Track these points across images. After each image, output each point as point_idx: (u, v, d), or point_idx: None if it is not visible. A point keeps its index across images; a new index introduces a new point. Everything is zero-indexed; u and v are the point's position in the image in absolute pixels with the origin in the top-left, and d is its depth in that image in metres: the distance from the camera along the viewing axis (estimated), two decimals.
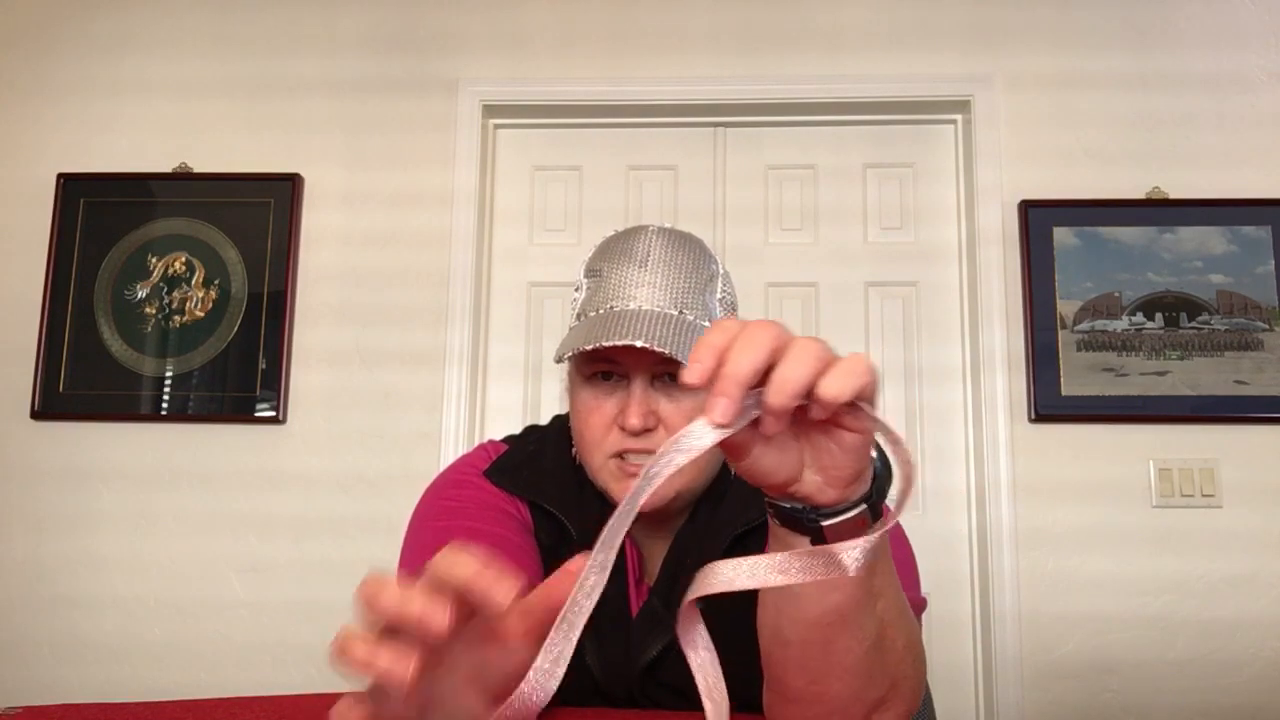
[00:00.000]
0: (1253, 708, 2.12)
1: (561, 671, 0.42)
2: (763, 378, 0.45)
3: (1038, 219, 2.31)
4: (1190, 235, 2.29)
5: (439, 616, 0.38)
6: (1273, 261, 2.26)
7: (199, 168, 2.44)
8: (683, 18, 2.45)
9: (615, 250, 0.83)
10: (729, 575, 0.46)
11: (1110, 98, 2.36)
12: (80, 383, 2.35)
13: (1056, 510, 2.21)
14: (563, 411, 0.94)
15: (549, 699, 0.42)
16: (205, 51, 2.51)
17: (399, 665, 0.39)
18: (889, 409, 2.36)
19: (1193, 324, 2.25)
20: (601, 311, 0.79)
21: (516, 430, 1.03)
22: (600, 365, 0.81)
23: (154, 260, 2.40)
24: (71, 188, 2.43)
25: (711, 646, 0.52)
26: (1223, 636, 2.14)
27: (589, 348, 0.76)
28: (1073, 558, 2.19)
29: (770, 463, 0.49)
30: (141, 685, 2.23)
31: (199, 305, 2.37)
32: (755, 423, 0.46)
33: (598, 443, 0.82)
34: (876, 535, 0.47)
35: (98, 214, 2.42)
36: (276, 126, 2.46)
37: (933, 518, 2.30)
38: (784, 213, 2.46)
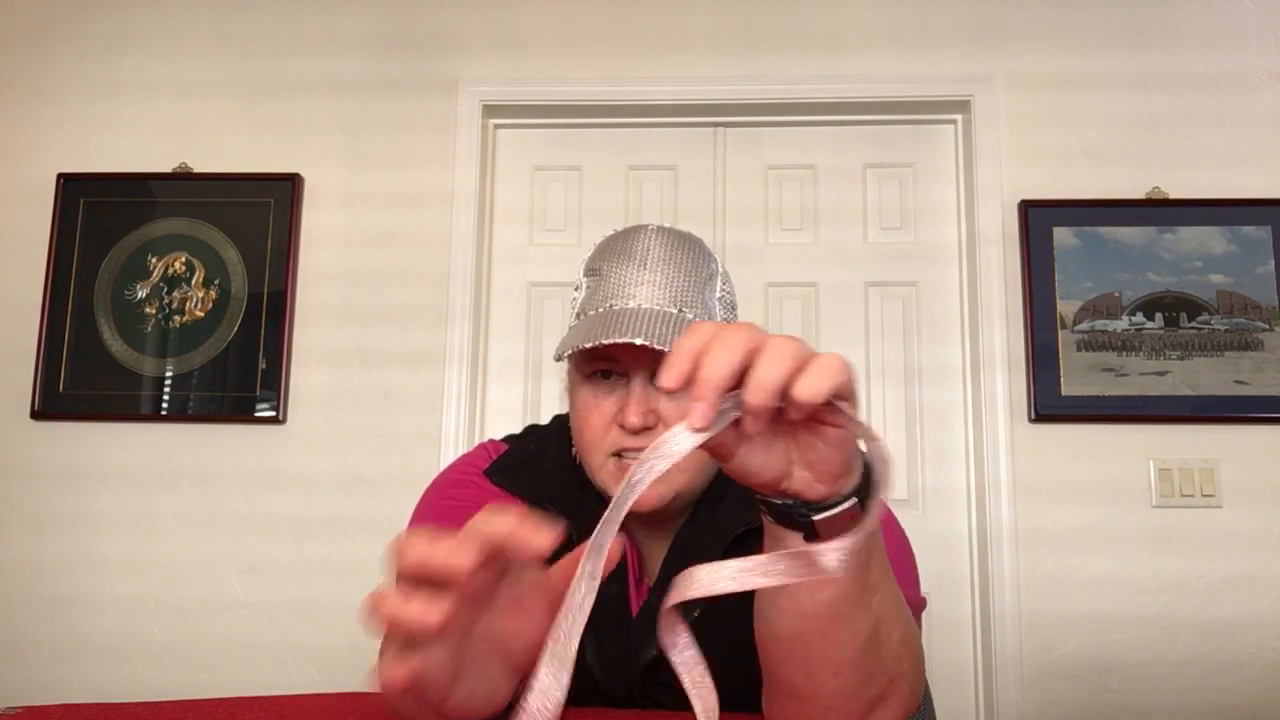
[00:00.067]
0: (1253, 708, 2.12)
1: (566, 681, 0.42)
2: (741, 379, 0.45)
3: (1038, 219, 2.31)
4: (1190, 235, 2.29)
5: (464, 557, 0.40)
6: (1273, 261, 2.26)
7: (199, 168, 2.44)
8: (683, 18, 2.45)
9: (615, 249, 0.83)
10: (711, 579, 0.46)
11: (1110, 98, 2.36)
12: (80, 383, 2.35)
13: (1056, 510, 2.21)
14: (563, 411, 0.94)
15: (560, 710, 0.43)
16: (205, 51, 2.51)
17: (429, 613, 0.40)
18: (889, 409, 2.36)
19: (1193, 324, 2.25)
20: (601, 310, 0.80)
21: (516, 430, 1.03)
22: (600, 364, 0.81)
23: (154, 260, 2.40)
24: (71, 188, 2.43)
25: (695, 646, 0.52)
26: (1223, 636, 2.14)
27: (588, 345, 0.76)
28: (1073, 558, 2.19)
29: (757, 461, 0.50)
30: (141, 685, 2.23)
31: (199, 305, 2.38)
32: (737, 423, 0.47)
33: (597, 441, 0.82)
34: (859, 536, 0.47)
35: (98, 214, 2.42)
36: (276, 126, 2.46)
37: (933, 518, 2.30)
38: (784, 213, 2.46)
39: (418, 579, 0.41)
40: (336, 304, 2.38)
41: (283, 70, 2.48)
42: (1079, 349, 2.25)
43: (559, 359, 0.80)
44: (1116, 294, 2.28)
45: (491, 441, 0.99)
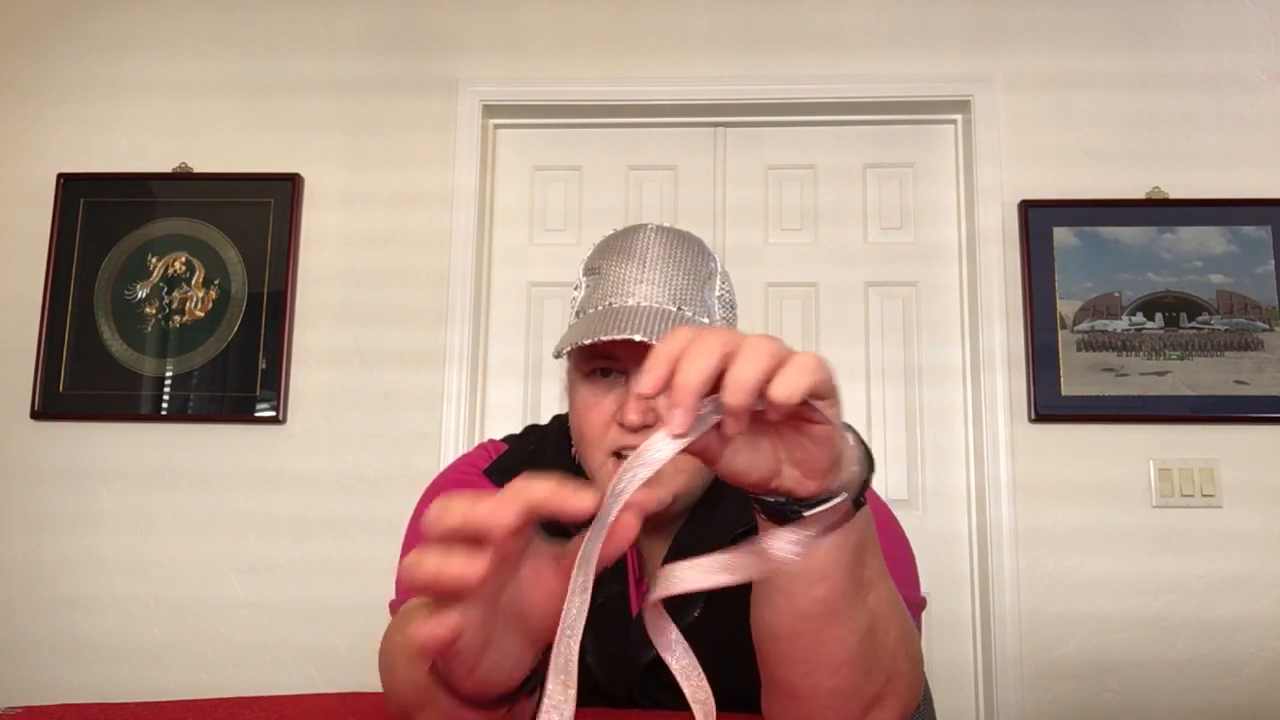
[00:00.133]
0: (1253, 708, 2.12)
1: (574, 694, 0.43)
2: (720, 381, 0.45)
3: (1038, 219, 2.31)
4: (1190, 235, 2.29)
5: (507, 512, 0.41)
6: (1273, 261, 2.26)
7: (199, 168, 2.44)
8: (683, 18, 2.45)
9: (614, 248, 0.83)
10: (684, 576, 0.47)
11: (1110, 98, 2.36)
12: (80, 383, 2.35)
13: (1056, 510, 2.21)
14: (563, 411, 0.94)
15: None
16: (205, 51, 2.51)
17: (470, 565, 0.41)
18: (889, 409, 2.36)
19: (1193, 324, 2.25)
20: (600, 308, 0.80)
21: (516, 430, 1.03)
22: (599, 362, 0.81)
23: (154, 260, 2.40)
24: (71, 188, 2.43)
25: (687, 646, 0.52)
26: (1223, 636, 2.14)
27: (587, 342, 0.76)
28: (1073, 558, 2.19)
29: (744, 462, 0.50)
30: (141, 685, 2.23)
31: (199, 305, 2.38)
32: (720, 426, 0.47)
33: (597, 440, 0.82)
34: (811, 527, 0.47)
35: (98, 214, 2.42)
36: (276, 126, 2.46)
37: (933, 518, 2.30)
38: (784, 213, 2.46)
39: (459, 537, 0.42)
40: (336, 304, 2.38)
41: (283, 70, 2.48)
42: (1079, 349, 2.25)
43: (558, 356, 0.80)
44: (1116, 294, 2.28)
45: (491, 441, 0.99)
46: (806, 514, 0.51)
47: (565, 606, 0.43)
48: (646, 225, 0.85)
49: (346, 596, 2.24)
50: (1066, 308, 2.27)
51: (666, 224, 0.87)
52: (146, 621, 2.28)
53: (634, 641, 0.82)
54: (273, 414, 2.32)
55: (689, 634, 0.62)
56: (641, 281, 0.80)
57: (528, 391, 2.41)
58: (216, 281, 2.38)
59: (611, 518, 0.44)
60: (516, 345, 2.43)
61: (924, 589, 0.86)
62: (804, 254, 2.44)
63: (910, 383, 2.37)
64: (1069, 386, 2.24)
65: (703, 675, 0.52)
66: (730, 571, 0.46)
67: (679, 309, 0.79)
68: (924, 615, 0.83)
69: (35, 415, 2.34)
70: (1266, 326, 2.24)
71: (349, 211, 2.42)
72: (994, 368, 2.26)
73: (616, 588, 0.85)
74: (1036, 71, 2.38)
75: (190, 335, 2.36)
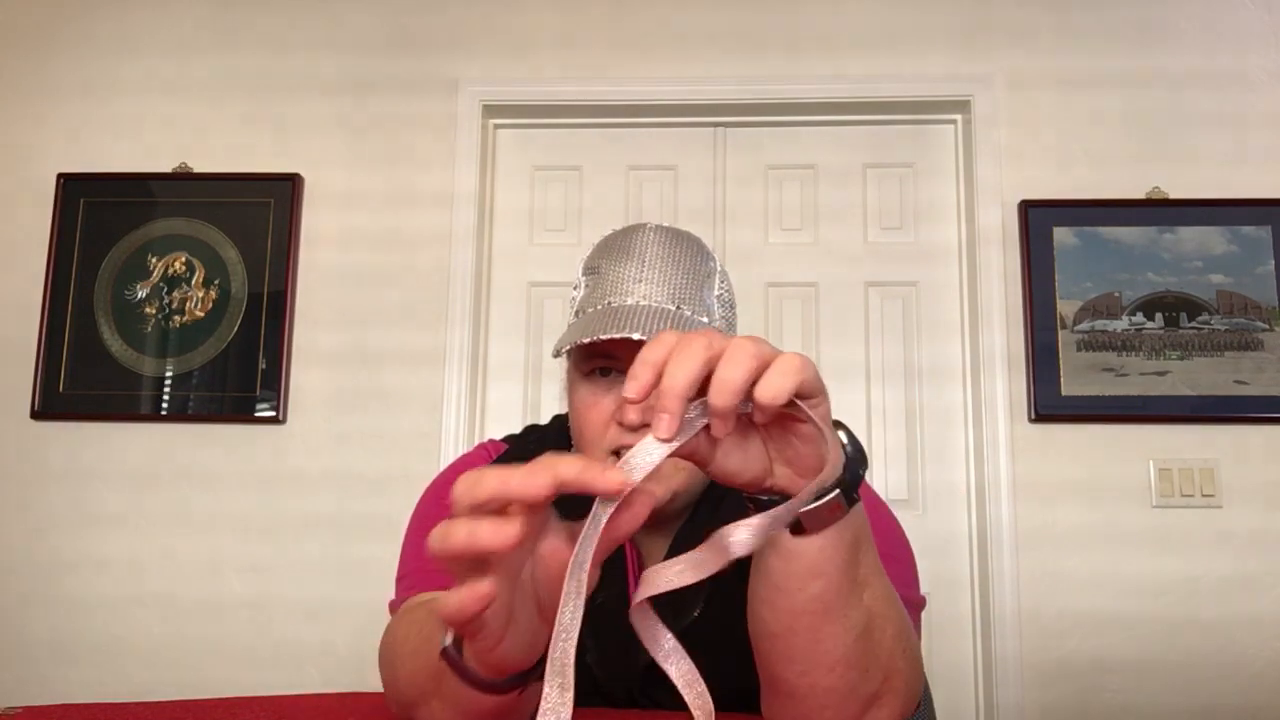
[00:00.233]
0: (1253, 708, 2.12)
1: (571, 697, 0.44)
2: (707, 384, 0.46)
3: (1038, 219, 2.31)
4: (1190, 235, 2.29)
5: (540, 480, 0.42)
6: (1273, 261, 2.26)
7: (199, 168, 2.44)
8: (683, 18, 2.45)
9: (613, 247, 0.83)
10: (660, 579, 0.47)
11: (1110, 98, 2.36)
12: (80, 383, 2.35)
13: (1056, 510, 2.21)
14: (562, 411, 0.94)
15: None
16: (205, 51, 2.51)
17: (504, 531, 0.42)
18: (889, 409, 2.36)
19: (1193, 324, 2.25)
20: (600, 308, 0.80)
21: (516, 430, 1.03)
22: (598, 361, 0.81)
23: (154, 260, 2.40)
24: (71, 188, 2.43)
25: (680, 648, 0.52)
26: (1223, 636, 2.14)
27: (586, 341, 0.76)
28: (1073, 558, 2.19)
29: (736, 463, 0.51)
30: (141, 685, 2.23)
31: (199, 305, 2.38)
32: (709, 429, 0.47)
33: (596, 439, 0.82)
34: (764, 519, 0.47)
35: (98, 214, 2.42)
36: (276, 126, 2.46)
37: (933, 518, 2.30)
38: (784, 213, 2.46)
39: (490, 508, 0.43)
40: (336, 304, 2.38)
41: (283, 70, 2.48)
42: (1079, 349, 2.25)
43: (557, 355, 0.80)
44: (1116, 294, 2.28)
45: (491, 441, 0.99)
46: (774, 510, 0.51)
47: (559, 610, 0.44)
48: (646, 225, 0.85)
49: (346, 596, 2.23)
50: (1066, 308, 2.27)
51: (666, 224, 0.87)
52: (146, 621, 2.28)
53: (634, 641, 0.82)
54: (273, 414, 2.32)
55: (689, 634, 0.62)
56: (640, 281, 0.80)
57: (528, 391, 2.41)
58: (216, 281, 2.38)
59: (604, 522, 0.44)
60: (516, 345, 2.43)
61: (924, 589, 0.85)
62: (804, 254, 2.44)
63: (910, 383, 2.37)
64: (1069, 386, 2.24)
65: (702, 682, 0.52)
66: (699, 568, 0.47)
67: (678, 308, 0.79)
68: (924, 615, 0.83)
69: (35, 415, 2.34)
70: (1266, 326, 2.24)
71: (349, 211, 2.42)
72: (994, 368, 2.26)
73: (616, 588, 0.85)
74: (1036, 71, 2.38)
75: (190, 335, 2.36)
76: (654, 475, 0.45)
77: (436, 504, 0.90)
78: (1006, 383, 2.26)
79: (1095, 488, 2.20)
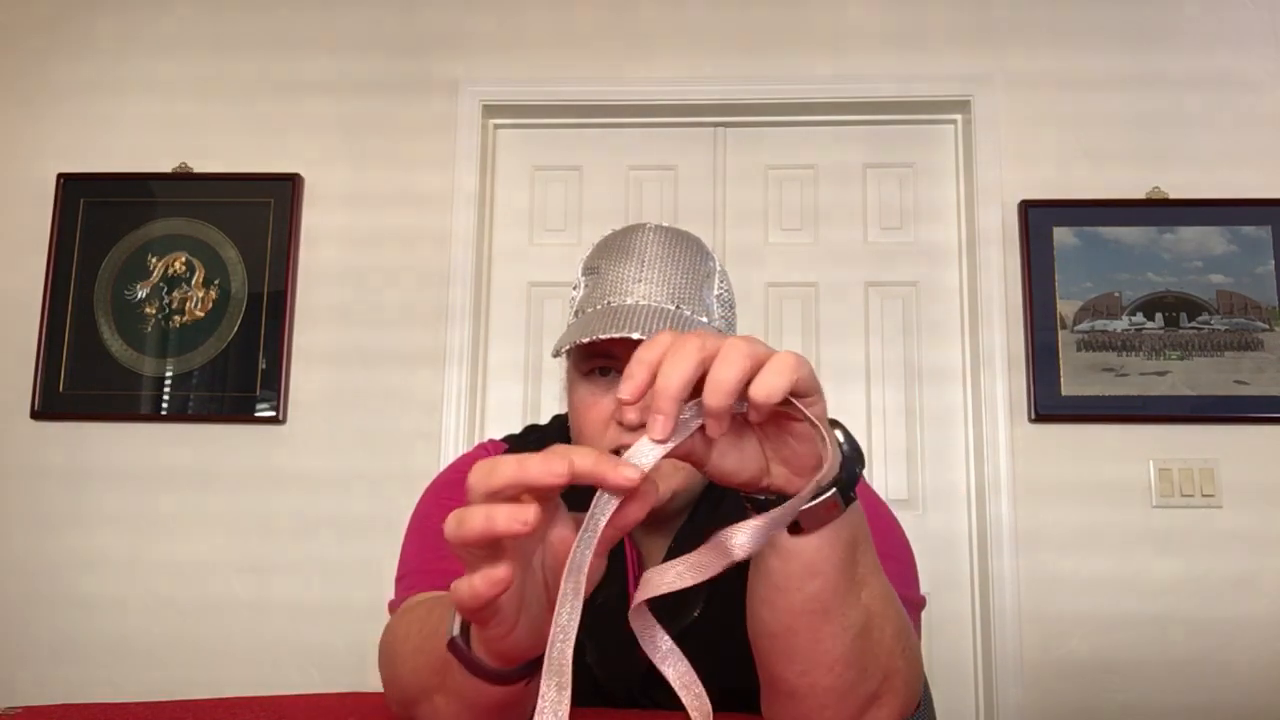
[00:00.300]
0: (1253, 708, 2.12)
1: (569, 696, 0.44)
2: (701, 385, 0.46)
3: (1038, 219, 2.31)
4: (1190, 235, 2.29)
5: (558, 467, 0.42)
6: (1273, 261, 2.26)
7: (199, 168, 2.44)
8: (683, 18, 2.45)
9: (613, 247, 0.83)
10: (660, 580, 0.47)
11: (1110, 98, 2.36)
12: (80, 383, 2.35)
13: (1056, 510, 2.21)
14: (562, 411, 0.94)
15: None
16: (205, 51, 2.51)
17: (521, 514, 0.42)
18: (889, 409, 2.36)
19: (1193, 324, 2.25)
20: (599, 307, 0.80)
21: (516, 430, 1.03)
22: (598, 361, 0.81)
23: (154, 260, 2.40)
24: (71, 188, 2.43)
25: (678, 650, 0.53)
26: (1223, 636, 2.14)
27: (585, 340, 0.76)
28: (1073, 558, 2.19)
29: (732, 463, 0.51)
30: (141, 685, 2.23)
31: (199, 305, 2.38)
32: (704, 429, 0.47)
33: (596, 439, 0.82)
34: (765, 520, 0.47)
35: (98, 214, 2.42)
36: (276, 126, 2.46)
37: (933, 518, 2.30)
38: (784, 213, 2.46)
39: (508, 494, 0.43)
40: (336, 304, 2.38)
41: (283, 70, 2.48)
42: (1079, 349, 2.25)
43: (556, 355, 0.80)
44: (1116, 294, 2.28)
45: (491, 441, 0.99)
46: (773, 511, 0.51)
47: (556, 611, 0.44)
48: (645, 225, 0.85)
49: (346, 596, 2.23)
50: (1066, 308, 2.27)
51: (666, 224, 0.87)
52: (146, 621, 2.28)
53: (634, 641, 0.82)
54: (273, 414, 2.32)
55: (689, 634, 0.62)
56: (640, 281, 0.80)
57: (528, 391, 2.41)
58: (216, 281, 2.38)
59: (601, 525, 0.44)
60: (516, 345, 2.43)
61: (924, 589, 0.86)
62: (804, 254, 2.44)
63: (910, 383, 2.37)
64: (1069, 386, 2.24)
65: (699, 683, 0.52)
66: (699, 570, 0.47)
67: (677, 308, 0.79)
68: (924, 615, 0.83)
69: (35, 415, 2.34)
70: (1266, 326, 2.24)
71: (349, 211, 2.42)
72: (994, 368, 2.26)
73: (616, 587, 0.85)
74: (1036, 71, 2.38)
75: (190, 335, 2.36)
76: (653, 474, 0.45)
77: (437, 504, 0.90)
78: (1006, 383, 2.26)
79: (1095, 488, 2.20)
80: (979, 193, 2.34)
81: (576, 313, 0.84)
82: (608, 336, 0.75)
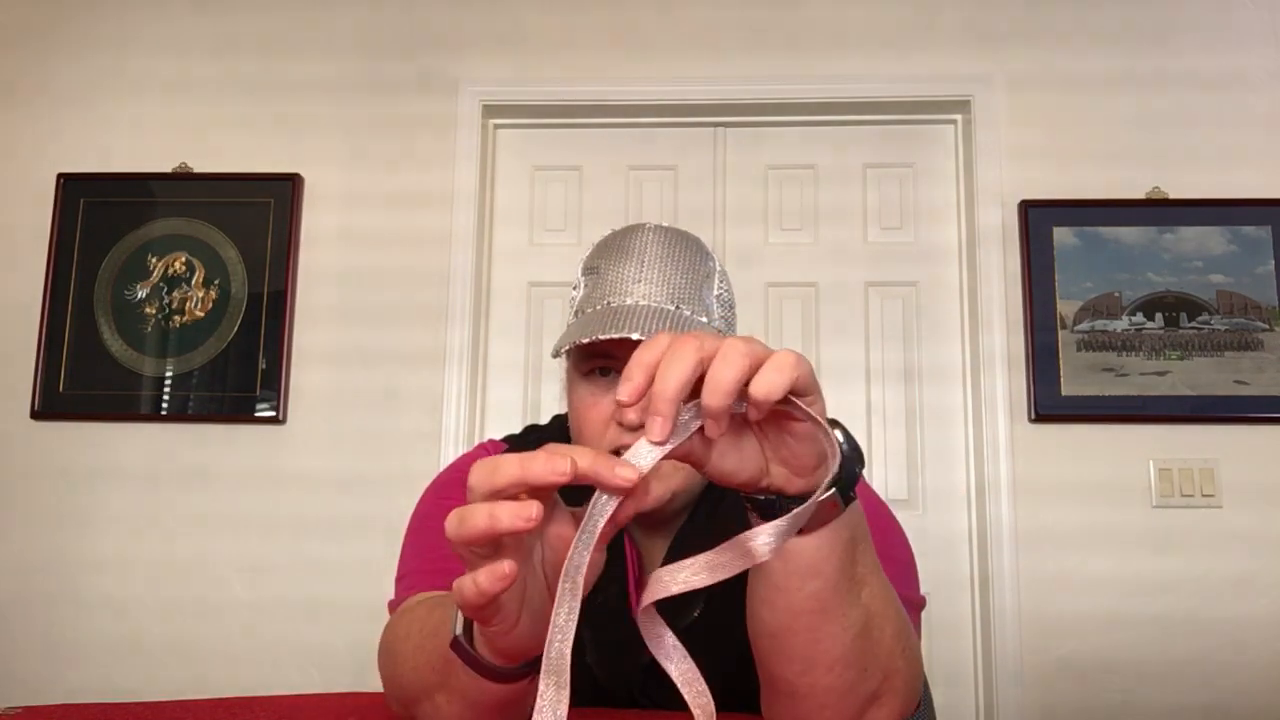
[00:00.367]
0: (1253, 708, 2.12)
1: (567, 695, 0.44)
2: (700, 385, 0.46)
3: (1038, 219, 2.31)
4: (1190, 235, 2.29)
5: (560, 464, 0.42)
6: (1273, 261, 2.26)
7: (199, 168, 2.44)
8: (683, 18, 2.45)
9: (613, 247, 0.84)
10: (673, 580, 0.47)
11: (1110, 98, 2.36)
12: (80, 383, 2.35)
13: (1056, 510, 2.21)
14: (562, 411, 0.94)
15: None
16: (205, 51, 2.51)
17: (524, 511, 0.42)
18: (889, 409, 2.36)
19: (1193, 324, 2.25)
20: (599, 308, 0.80)
21: (516, 430, 1.03)
22: (598, 361, 0.81)
23: (154, 260, 2.40)
24: (71, 188, 2.43)
25: (681, 647, 0.53)
26: (1223, 636, 2.14)
27: (585, 340, 0.76)
28: (1073, 558, 2.19)
29: (732, 463, 0.51)
30: (141, 685, 2.23)
31: (199, 305, 2.38)
32: (702, 429, 0.47)
33: (596, 439, 0.82)
34: (786, 521, 0.47)
35: (98, 214, 2.42)
36: (276, 126, 2.46)
37: (933, 518, 2.30)
38: (784, 213, 2.46)
39: (509, 493, 0.43)
40: (336, 304, 2.38)
41: (283, 70, 2.48)
42: (1079, 349, 2.25)
43: (556, 355, 0.80)
44: (1116, 294, 2.28)
45: (491, 441, 1.00)
46: (795, 510, 0.51)
47: (554, 610, 0.44)
48: (645, 225, 0.85)
49: (346, 596, 2.23)
50: (1066, 308, 2.27)
51: (666, 224, 0.87)
52: (146, 621, 2.28)
53: (634, 641, 0.82)
54: (273, 414, 2.32)
55: (689, 634, 0.62)
56: (640, 281, 0.80)
57: (528, 391, 2.41)
58: (216, 281, 2.38)
59: (600, 526, 0.44)
60: (516, 345, 2.43)
61: (924, 589, 0.85)
62: (804, 254, 2.44)
63: (910, 383, 2.37)
64: (1069, 386, 2.24)
65: (703, 681, 0.52)
66: (714, 570, 0.47)
67: (677, 308, 0.79)
68: (924, 615, 0.83)
69: (35, 415, 2.34)
70: (1266, 326, 2.24)
71: (349, 211, 2.42)
72: (994, 368, 2.26)
73: (616, 587, 0.85)
74: (1036, 71, 2.38)
75: (190, 335, 2.36)
76: (652, 475, 0.45)
77: (437, 504, 0.90)
78: (1006, 383, 2.26)
79: (1095, 488, 2.20)
80: (979, 193, 2.34)
81: (576, 313, 0.84)
82: (607, 337, 0.75)
